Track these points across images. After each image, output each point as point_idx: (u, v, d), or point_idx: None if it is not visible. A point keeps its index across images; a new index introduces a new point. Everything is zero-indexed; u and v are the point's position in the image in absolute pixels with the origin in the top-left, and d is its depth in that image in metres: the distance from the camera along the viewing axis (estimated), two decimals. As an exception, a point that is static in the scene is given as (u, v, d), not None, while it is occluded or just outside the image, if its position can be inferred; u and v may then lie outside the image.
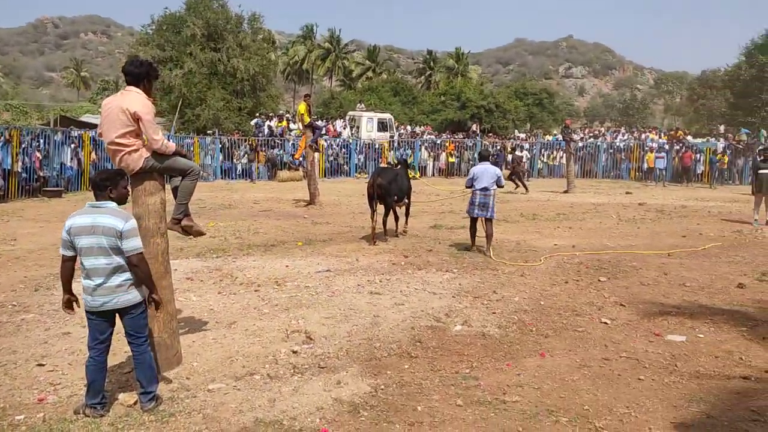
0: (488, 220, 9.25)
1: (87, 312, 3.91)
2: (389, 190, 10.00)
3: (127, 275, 3.86)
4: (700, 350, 5.22)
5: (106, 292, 3.82)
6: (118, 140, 4.35)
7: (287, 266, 8.30)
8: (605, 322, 5.96)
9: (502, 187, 9.82)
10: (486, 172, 9.26)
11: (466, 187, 9.65)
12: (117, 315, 3.94)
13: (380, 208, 10.22)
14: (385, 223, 10.55)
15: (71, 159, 18.92)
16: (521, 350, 5.23)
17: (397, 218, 10.92)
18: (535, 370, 4.75)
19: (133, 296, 3.90)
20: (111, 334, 3.98)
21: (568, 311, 6.34)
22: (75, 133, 19.70)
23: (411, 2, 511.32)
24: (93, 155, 19.83)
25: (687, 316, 6.18)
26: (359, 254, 9.18)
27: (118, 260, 3.81)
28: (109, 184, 3.89)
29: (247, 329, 5.67)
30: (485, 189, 9.17)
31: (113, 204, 3.90)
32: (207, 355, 5.00)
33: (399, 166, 11.41)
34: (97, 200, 3.89)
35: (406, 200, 10.85)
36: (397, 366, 4.82)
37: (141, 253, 3.87)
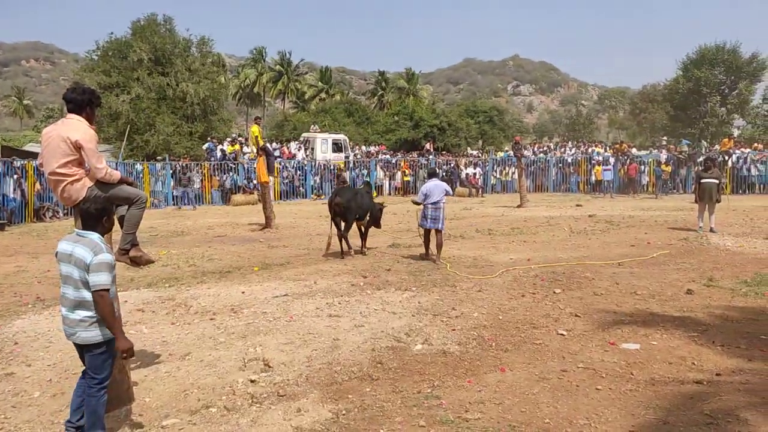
0: (438, 231, 10.10)
1: None
2: (348, 208, 10.51)
3: (91, 312, 3.67)
4: (654, 357, 5.34)
5: (70, 324, 3.70)
6: (59, 170, 4.20)
7: (243, 292, 8.13)
8: (562, 334, 6.04)
9: (451, 194, 11.06)
10: (436, 188, 10.11)
11: (418, 203, 10.34)
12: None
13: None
14: (345, 239, 10.74)
15: (14, 190, 18.20)
16: (482, 366, 5.23)
17: (362, 236, 11.37)
18: (496, 386, 4.75)
19: (94, 335, 3.69)
20: None
21: (526, 324, 6.40)
22: (18, 163, 18.98)
23: (361, 24, 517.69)
24: (37, 185, 19.15)
25: (640, 324, 6.33)
26: (317, 277, 9.08)
27: (84, 294, 3.65)
28: (105, 214, 3.80)
29: (202, 360, 5.50)
30: (436, 203, 10.00)
31: (96, 235, 3.76)
32: (160, 390, 4.82)
33: (363, 186, 12.15)
34: (83, 228, 3.77)
35: (368, 218, 11.22)
36: (359, 389, 4.75)
37: (104, 290, 3.62)
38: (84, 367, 3.88)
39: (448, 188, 10.50)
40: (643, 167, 26.95)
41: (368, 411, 4.33)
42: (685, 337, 5.87)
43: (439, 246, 10.10)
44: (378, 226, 11.76)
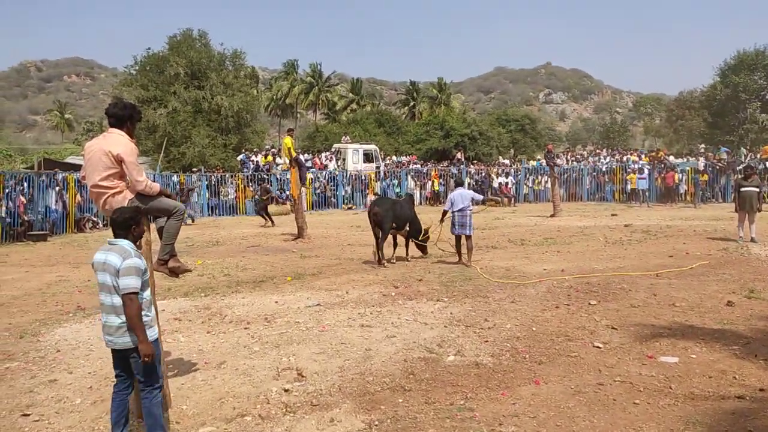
0: (468, 237, 10.73)
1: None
2: (385, 218, 10.98)
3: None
4: (694, 371, 5.21)
5: (109, 332, 3.82)
6: (101, 183, 4.33)
7: (277, 302, 8.22)
8: (598, 347, 5.94)
9: (479, 203, 11.69)
10: (462, 196, 10.86)
11: (445, 211, 11.11)
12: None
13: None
14: (381, 248, 11.11)
15: (56, 202, 18.80)
16: (515, 378, 5.18)
17: (404, 245, 11.84)
18: (531, 399, 4.70)
19: (134, 339, 3.79)
20: (129, 372, 3.95)
21: (561, 336, 6.32)
22: (59, 175, 19.61)
23: (392, 35, 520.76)
24: (78, 197, 19.73)
25: (679, 336, 6.18)
26: (349, 287, 9.13)
27: (117, 300, 3.77)
28: (133, 222, 3.94)
29: (237, 369, 5.58)
30: (462, 210, 10.67)
31: (126, 242, 3.90)
32: (196, 398, 4.91)
33: (403, 198, 12.85)
34: (114, 237, 3.91)
35: (407, 229, 11.60)
36: (391, 400, 4.75)
37: (132, 293, 3.73)
38: (117, 377, 3.99)
39: (477, 195, 11.30)
40: (680, 175, 26.36)
41: (401, 422, 4.33)
42: (726, 350, 5.71)
43: (470, 250, 10.80)
44: (422, 250, 12.06)
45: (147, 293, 3.91)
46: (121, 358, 3.94)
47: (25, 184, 17.88)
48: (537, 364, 5.50)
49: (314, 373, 5.37)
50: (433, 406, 4.61)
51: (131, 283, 3.74)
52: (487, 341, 6.19)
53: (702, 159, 27.86)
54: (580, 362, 5.53)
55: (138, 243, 4.05)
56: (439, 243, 12.03)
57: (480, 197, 11.28)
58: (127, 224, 3.90)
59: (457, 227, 10.73)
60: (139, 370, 3.85)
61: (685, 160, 31.41)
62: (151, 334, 3.87)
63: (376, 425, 4.29)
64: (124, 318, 3.77)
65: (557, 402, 4.62)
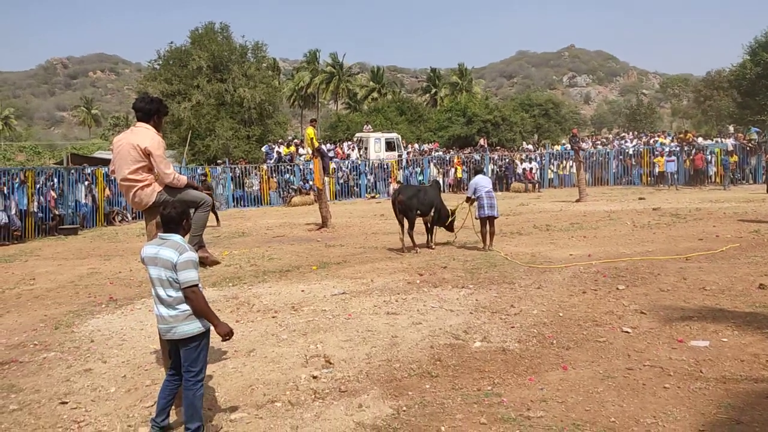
0: (493, 220, 10.93)
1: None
2: (409, 206, 11.00)
3: (184, 307, 3.88)
4: (725, 354, 5.13)
5: (166, 323, 3.91)
6: (130, 176, 4.42)
7: (303, 291, 8.31)
8: (627, 331, 5.89)
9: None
10: (483, 179, 11.30)
11: (470, 197, 11.33)
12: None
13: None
14: (410, 236, 11.25)
15: (86, 196, 19.20)
16: (543, 364, 5.17)
17: (428, 231, 11.85)
18: (559, 384, 4.69)
19: (190, 328, 3.88)
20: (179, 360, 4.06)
21: (588, 322, 6.27)
22: (88, 170, 20.01)
23: (411, 22, 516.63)
24: (107, 191, 20.12)
25: (709, 320, 6.09)
26: (374, 275, 9.18)
27: (173, 293, 3.86)
28: (185, 217, 4.03)
29: (266, 356, 5.67)
30: (489, 191, 10.98)
31: (178, 237, 3.98)
32: (227, 385, 5.00)
33: (429, 185, 13.08)
34: (165, 232, 3.99)
35: (432, 215, 11.56)
36: (418, 386, 4.79)
37: (195, 285, 3.85)
38: (171, 367, 4.10)
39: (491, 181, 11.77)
40: (709, 157, 25.81)
41: (428, 408, 4.36)
42: (758, 333, 5.61)
43: (492, 234, 10.99)
44: (449, 228, 12.09)
45: (200, 285, 4.02)
46: (175, 349, 4.03)
47: (55, 180, 18.28)
48: (564, 350, 5.48)
49: (342, 360, 5.43)
50: (460, 392, 4.63)
51: (192, 275, 3.84)
52: (513, 327, 6.18)
53: (731, 140, 27.22)
54: (609, 347, 5.49)
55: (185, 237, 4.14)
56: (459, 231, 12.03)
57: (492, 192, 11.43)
58: (180, 218, 3.99)
59: (486, 209, 10.83)
60: (189, 360, 3.93)
61: (714, 141, 30.73)
62: (205, 324, 3.95)
63: (404, 411, 4.33)
64: (181, 308, 3.87)
65: (586, 387, 4.60)
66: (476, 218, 11.17)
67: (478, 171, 12.37)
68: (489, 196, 10.85)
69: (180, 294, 3.86)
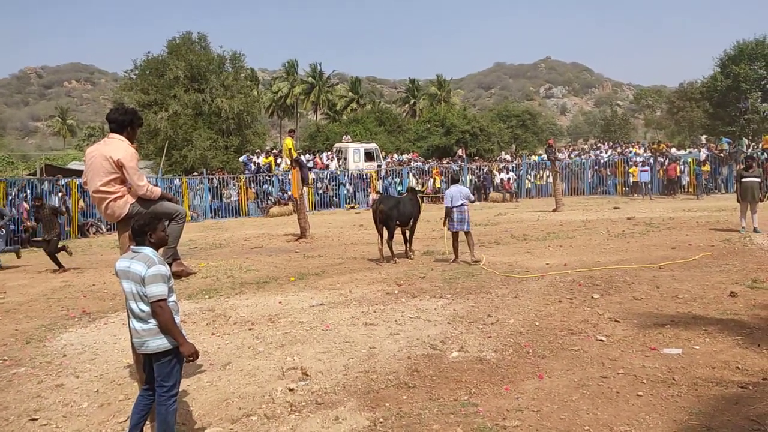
0: (467, 233, 10.71)
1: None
2: (390, 216, 11.08)
3: (153, 322, 3.83)
4: (697, 362, 5.22)
5: (139, 336, 3.85)
6: (102, 188, 4.37)
7: (280, 302, 8.26)
8: (601, 340, 5.96)
9: (473, 202, 11.25)
10: (459, 192, 10.78)
11: (448, 208, 10.85)
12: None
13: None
14: (390, 246, 11.32)
15: (59, 207, 18.83)
16: (519, 373, 5.20)
17: (406, 241, 11.88)
18: (534, 393, 4.72)
19: (160, 343, 3.82)
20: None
21: (564, 330, 6.33)
22: (62, 181, 19.69)
23: (390, 34, 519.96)
24: (81, 203, 19.81)
25: (682, 328, 6.20)
26: (352, 286, 9.16)
27: (144, 307, 3.82)
28: (148, 228, 3.94)
29: (242, 369, 5.62)
30: (461, 206, 10.63)
31: (150, 249, 3.92)
32: (202, 399, 4.94)
33: (406, 194, 12.67)
34: (136, 245, 3.93)
35: (412, 223, 11.66)
36: (396, 397, 4.78)
37: (161, 300, 3.77)
38: (146, 382, 4.02)
39: (470, 194, 11.11)
40: (682, 167, 26.31)
41: (405, 419, 4.36)
42: (729, 340, 5.73)
43: (472, 245, 10.76)
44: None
45: (174, 298, 3.96)
46: (149, 363, 3.97)
47: (28, 191, 17.96)
48: (540, 359, 5.52)
49: (319, 372, 5.40)
50: (437, 402, 4.63)
51: (158, 290, 3.77)
52: (490, 337, 6.22)
53: (704, 150, 27.78)
54: (584, 356, 5.55)
55: (160, 250, 4.08)
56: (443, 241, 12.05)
57: (473, 197, 11.20)
58: (142, 231, 3.92)
59: (456, 224, 10.66)
60: (162, 375, 3.87)
61: (687, 151, 31.34)
62: (171, 342, 3.88)
63: (380, 422, 4.32)
64: (150, 324, 3.82)
65: (561, 395, 4.64)
66: (448, 230, 11.05)
67: (455, 180, 12.19)
68: (459, 211, 10.63)
69: (148, 308, 3.81)
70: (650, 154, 29.13)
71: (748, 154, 21.74)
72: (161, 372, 3.87)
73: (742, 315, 6.55)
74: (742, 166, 13.43)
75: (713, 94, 45.62)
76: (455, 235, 10.82)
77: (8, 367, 6.07)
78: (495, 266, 10.13)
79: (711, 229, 13.57)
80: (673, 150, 31.65)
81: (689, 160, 26.66)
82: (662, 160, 27.11)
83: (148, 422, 4.16)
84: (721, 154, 26.59)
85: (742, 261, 9.55)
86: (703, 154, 26.84)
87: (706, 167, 25.53)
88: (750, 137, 38.25)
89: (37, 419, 4.67)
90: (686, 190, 26.22)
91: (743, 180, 12.82)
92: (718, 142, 30.71)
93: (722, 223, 14.33)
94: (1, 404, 5.03)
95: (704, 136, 37.24)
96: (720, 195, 24.68)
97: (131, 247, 3.99)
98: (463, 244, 10.91)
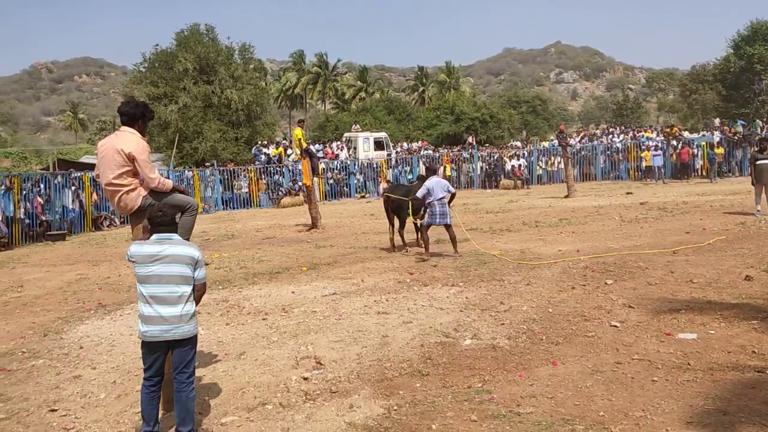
0: (448, 226, 10.21)
1: (143, 341, 3.94)
2: (401, 205, 10.99)
3: (187, 307, 3.88)
4: (712, 346, 5.19)
5: (170, 321, 3.83)
6: (115, 181, 4.40)
7: (293, 292, 8.29)
8: (615, 326, 5.93)
9: (454, 193, 10.51)
10: (438, 185, 10.27)
11: (419, 199, 10.41)
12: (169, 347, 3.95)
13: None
14: (401, 235, 11.32)
15: (73, 201, 19.04)
16: (533, 360, 5.20)
17: (418, 230, 11.48)
18: (548, 379, 4.72)
19: (191, 328, 3.92)
20: (164, 364, 4.01)
21: (577, 317, 6.31)
22: (75, 175, 19.84)
23: (398, 21, 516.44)
24: (94, 196, 19.97)
25: (696, 312, 6.15)
26: (364, 275, 9.18)
27: (185, 289, 3.88)
28: (176, 210, 4.17)
29: (256, 359, 5.66)
30: (441, 199, 10.12)
31: (177, 235, 4.03)
32: (218, 388, 4.99)
33: (416, 182, 12.04)
34: (161, 233, 3.95)
35: (422, 213, 11.20)
36: (409, 385, 4.80)
37: (205, 281, 4.08)
38: (147, 374, 3.99)
39: (450, 186, 10.50)
40: (695, 151, 26.02)
41: (419, 406, 4.38)
42: (745, 324, 5.68)
43: (453, 239, 10.28)
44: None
45: None
46: (164, 352, 3.96)
47: (42, 185, 18.12)
48: (554, 345, 5.51)
49: (332, 361, 5.43)
50: (451, 390, 4.64)
51: (205, 272, 4.05)
52: (503, 324, 6.21)
53: (717, 133, 27.45)
54: (598, 342, 5.53)
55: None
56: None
57: (453, 189, 10.57)
58: (172, 214, 4.03)
59: (438, 217, 10.12)
60: (184, 362, 3.92)
61: (700, 134, 30.96)
62: (196, 328, 4.01)
63: (394, 410, 4.34)
64: (189, 306, 3.89)
65: (575, 382, 4.64)
66: (422, 223, 10.55)
67: (432, 171, 11.18)
68: (441, 204, 10.10)
69: (187, 292, 3.88)
70: (663, 138, 28.81)
71: (763, 136, 21.42)
72: (184, 358, 3.93)
73: (757, 299, 6.49)
74: (756, 149, 13.23)
75: (726, 76, 45.00)
76: (427, 227, 10.35)
77: (27, 359, 6.16)
78: (506, 253, 10.10)
79: (725, 213, 13.43)
80: (686, 133, 31.28)
81: (702, 143, 26.34)
82: (675, 143, 26.81)
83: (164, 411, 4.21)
84: (735, 137, 26.25)
85: (757, 245, 9.44)
86: (717, 137, 26.52)
87: (720, 150, 25.23)
88: (765, 119, 37.68)
89: (56, 410, 4.74)
90: (699, 173, 25.94)
91: (758, 163, 12.65)
92: (732, 125, 30.31)
93: (736, 207, 14.17)
94: (21, 395, 5.11)
95: (717, 119, 36.72)
96: (734, 178, 24.41)
97: (156, 235, 3.96)
98: (445, 240, 10.55)
